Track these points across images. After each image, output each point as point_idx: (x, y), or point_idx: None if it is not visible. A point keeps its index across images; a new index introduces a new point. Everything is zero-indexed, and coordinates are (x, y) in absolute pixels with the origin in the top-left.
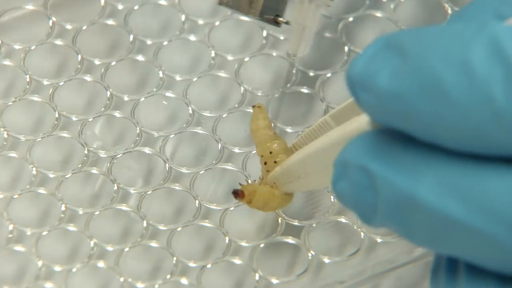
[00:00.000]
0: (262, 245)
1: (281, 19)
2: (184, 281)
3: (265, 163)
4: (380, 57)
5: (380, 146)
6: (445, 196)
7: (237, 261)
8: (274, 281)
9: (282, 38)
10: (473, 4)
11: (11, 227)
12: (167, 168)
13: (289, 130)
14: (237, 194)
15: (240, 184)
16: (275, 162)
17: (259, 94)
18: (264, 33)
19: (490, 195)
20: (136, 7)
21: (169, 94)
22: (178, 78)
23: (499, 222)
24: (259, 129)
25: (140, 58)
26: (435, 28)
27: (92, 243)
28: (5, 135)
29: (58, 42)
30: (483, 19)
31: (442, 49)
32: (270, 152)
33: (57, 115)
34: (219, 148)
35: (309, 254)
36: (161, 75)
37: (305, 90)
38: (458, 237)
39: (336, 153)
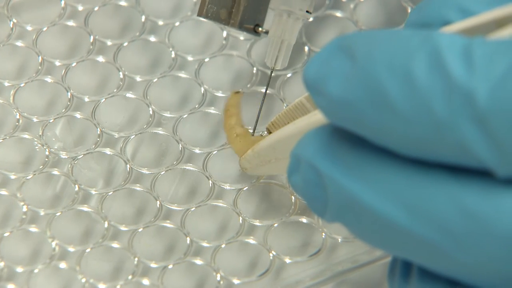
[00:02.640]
0: (223, 246)
1: (260, 28)
2: (145, 281)
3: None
4: (332, 61)
5: (331, 144)
6: (387, 201)
7: (198, 261)
8: (236, 281)
9: (242, 38)
10: None
11: None
12: (128, 169)
13: (250, 130)
14: None
15: None
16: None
17: (220, 94)
18: (224, 34)
19: (431, 202)
20: (96, 8)
21: (129, 95)
22: (138, 79)
23: (440, 230)
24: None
25: (100, 59)
26: (385, 33)
27: (53, 244)
28: None
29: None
30: (444, 14)
31: (388, 57)
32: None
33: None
34: (180, 148)
35: (270, 255)
36: (121, 76)
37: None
38: (401, 242)
39: None
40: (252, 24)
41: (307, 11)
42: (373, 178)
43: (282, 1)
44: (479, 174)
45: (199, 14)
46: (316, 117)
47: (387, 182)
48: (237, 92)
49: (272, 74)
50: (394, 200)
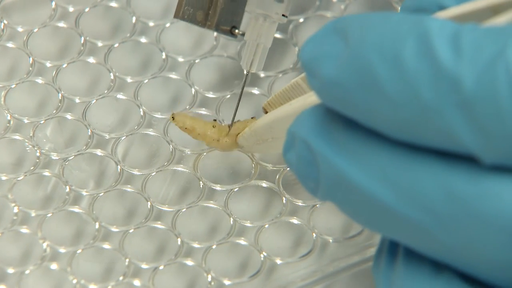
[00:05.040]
0: (214, 246)
1: (237, 30)
2: (136, 282)
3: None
4: (326, 42)
5: (325, 124)
6: (375, 180)
7: (189, 262)
8: (227, 282)
9: (232, 40)
10: None
11: None
12: (119, 170)
13: None
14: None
15: None
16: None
17: (210, 95)
18: (215, 35)
19: (418, 184)
20: (86, 10)
21: (120, 96)
22: (129, 80)
23: (426, 211)
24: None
25: (91, 60)
26: (378, 16)
27: (44, 245)
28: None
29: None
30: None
31: (379, 40)
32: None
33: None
34: (171, 149)
35: (261, 255)
36: (112, 77)
37: (255, 91)
38: (389, 221)
39: None
40: (229, 26)
41: (283, 15)
42: (363, 158)
43: (258, 4)
44: (466, 158)
45: (176, 16)
46: (312, 98)
47: (376, 162)
48: (172, 116)
49: (262, 75)
50: (382, 180)
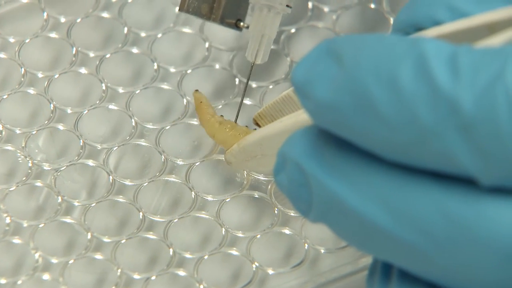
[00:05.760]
0: (206, 257)
1: (242, 23)
2: None
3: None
4: (320, 64)
5: (318, 145)
6: (371, 203)
7: (181, 272)
8: None
9: (223, 48)
10: None
11: None
12: (111, 180)
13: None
14: None
15: None
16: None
17: None
18: (206, 45)
19: (414, 206)
20: (78, 20)
21: (112, 106)
22: (121, 90)
23: (422, 234)
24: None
25: (83, 70)
26: (372, 38)
27: (37, 255)
28: None
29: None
30: (433, 12)
31: (375, 63)
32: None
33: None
34: (163, 160)
35: (253, 266)
36: (103, 87)
37: (247, 101)
38: (382, 243)
39: None
40: (234, 19)
41: (287, 5)
42: (358, 180)
43: None
44: (463, 180)
45: (181, 9)
46: (303, 116)
47: (372, 184)
48: (197, 91)
49: (254, 86)
50: (377, 203)
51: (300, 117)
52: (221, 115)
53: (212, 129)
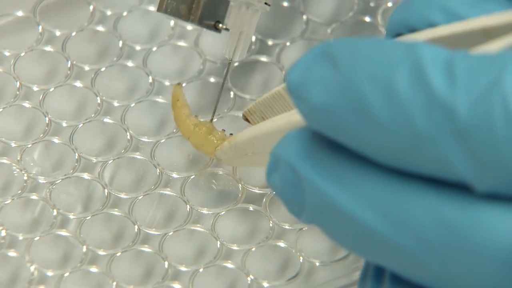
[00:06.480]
0: (201, 270)
1: (221, 25)
2: None
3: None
4: (315, 68)
5: (312, 147)
6: (365, 207)
7: (176, 286)
8: None
9: (219, 65)
10: None
11: None
12: (106, 194)
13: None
14: None
15: None
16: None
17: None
18: (201, 60)
19: (409, 211)
20: (73, 34)
21: (107, 119)
22: (116, 103)
23: (416, 239)
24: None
25: (78, 84)
26: (368, 42)
27: (32, 268)
28: None
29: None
30: (427, 14)
31: (370, 67)
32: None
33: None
34: (158, 173)
35: (248, 279)
36: (99, 100)
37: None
38: (375, 247)
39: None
40: (213, 21)
41: (265, 3)
42: (351, 184)
43: None
44: (458, 186)
45: (159, 10)
46: (296, 117)
47: (365, 188)
48: (179, 84)
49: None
50: (371, 206)
51: (292, 118)
52: (196, 115)
53: (187, 131)
